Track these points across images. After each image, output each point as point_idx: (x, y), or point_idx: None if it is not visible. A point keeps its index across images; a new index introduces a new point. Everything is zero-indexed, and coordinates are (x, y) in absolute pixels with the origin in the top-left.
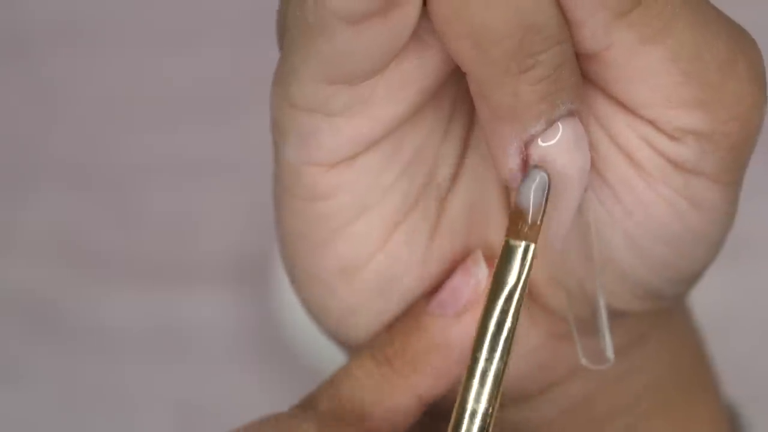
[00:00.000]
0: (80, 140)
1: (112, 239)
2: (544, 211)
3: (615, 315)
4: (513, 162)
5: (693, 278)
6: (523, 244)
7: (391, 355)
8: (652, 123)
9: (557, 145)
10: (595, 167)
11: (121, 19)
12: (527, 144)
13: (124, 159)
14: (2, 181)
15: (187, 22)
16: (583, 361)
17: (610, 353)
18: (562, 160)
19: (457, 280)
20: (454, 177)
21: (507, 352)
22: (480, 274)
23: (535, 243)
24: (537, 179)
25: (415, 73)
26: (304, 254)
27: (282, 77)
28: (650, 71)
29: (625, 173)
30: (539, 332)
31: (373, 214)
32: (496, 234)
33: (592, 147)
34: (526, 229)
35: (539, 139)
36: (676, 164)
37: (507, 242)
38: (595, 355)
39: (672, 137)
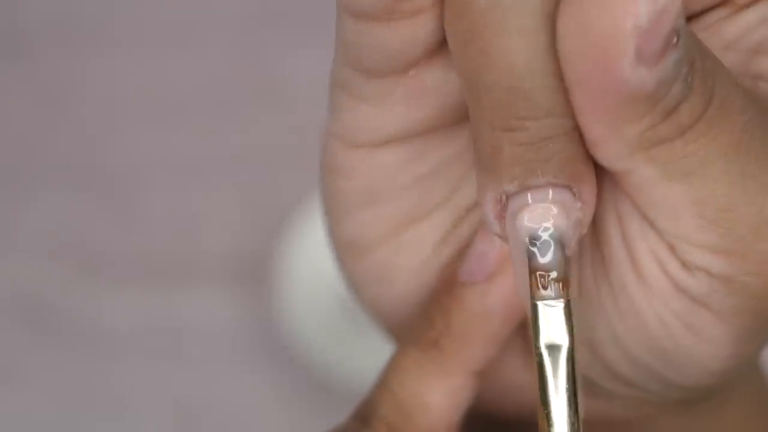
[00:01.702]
0: (80, 140)
1: (112, 239)
2: (567, 263)
3: (600, 389)
4: (488, 210)
5: (689, 389)
6: (545, 303)
7: (435, 336)
8: (667, 245)
9: (529, 210)
10: (602, 261)
11: (121, 19)
12: (503, 198)
13: (124, 159)
14: (2, 181)
15: (187, 23)
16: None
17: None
18: (533, 225)
19: (480, 243)
20: (476, 204)
21: (578, 409)
22: None
23: (564, 298)
24: (545, 238)
25: (438, 88)
26: (327, 220)
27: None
28: (671, 206)
29: (628, 280)
30: None
31: (382, 209)
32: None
33: (604, 241)
34: (549, 285)
35: (515, 200)
36: (680, 290)
37: (533, 304)
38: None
39: (684, 265)
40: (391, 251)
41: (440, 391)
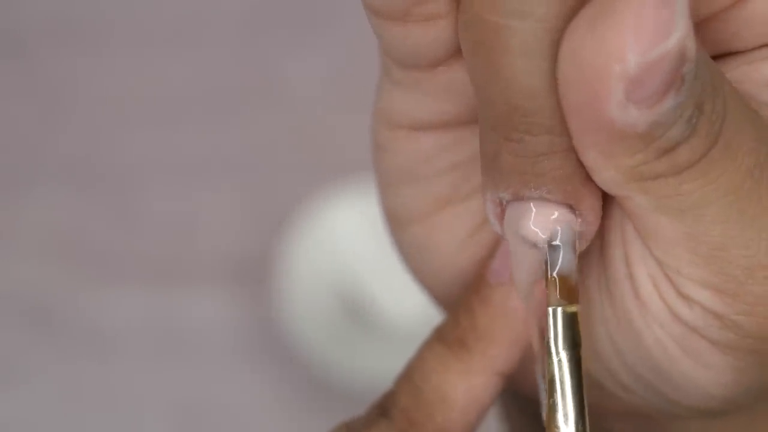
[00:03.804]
0: (80, 140)
1: (112, 239)
2: (578, 269)
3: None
4: (489, 209)
5: (695, 410)
6: (560, 308)
7: (461, 334)
8: (664, 273)
9: (525, 220)
10: (604, 276)
11: (121, 19)
12: (503, 202)
13: (124, 159)
14: (2, 180)
15: (187, 22)
16: (545, 419)
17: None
18: (526, 235)
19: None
20: None
21: (585, 414)
22: None
23: (576, 302)
24: (560, 250)
25: (467, 84)
26: (377, 189)
27: None
28: (665, 237)
29: (627, 297)
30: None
31: (419, 187)
32: None
33: (608, 258)
34: (563, 290)
35: (511, 206)
36: (677, 318)
37: (557, 310)
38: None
39: (680, 295)
40: (428, 228)
41: (462, 389)
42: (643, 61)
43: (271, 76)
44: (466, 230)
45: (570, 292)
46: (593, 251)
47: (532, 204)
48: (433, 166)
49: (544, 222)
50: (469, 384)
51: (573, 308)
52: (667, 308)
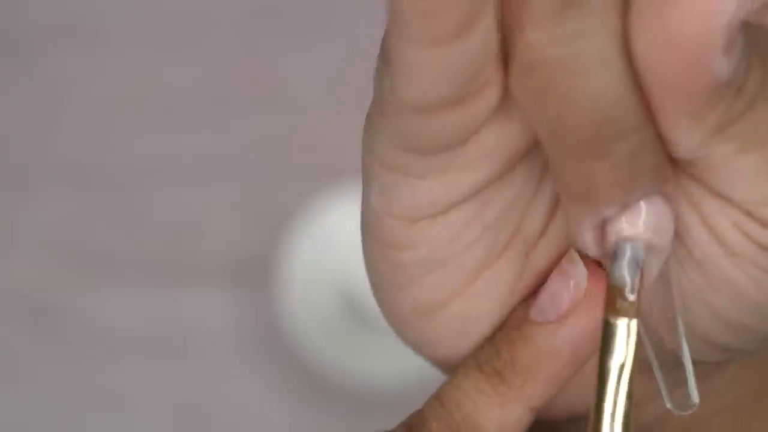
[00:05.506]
0: (80, 140)
1: (112, 239)
2: (641, 284)
3: (692, 363)
4: (588, 238)
5: None
6: (625, 321)
7: (499, 367)
8: (746, 213)
9: (633, 226)
10: (683, 244)
11: (121, 19)
12: (603, 223)
13: (124, 159)
14: (2, 181)
15: (187, 22)
16: (669, 406)
17: (695, 399)
18: (638, 239)
19: (555, 283)
20: (542, 231)
21: (627, 430)
22: (578, 274)
23: (637, 318)
24: (628, 254)
25: (499, 144)
26: (383, 291)
27: (368, 128)
28: (747, 175)
29: (714, 253)
30: None
31: (451, 267)
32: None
33: (682, 225)
34: (626, 305)
35: (614, 220)
36: (765, 247)
37: (607, 321)
38: (679, 398)
39: (764, 225)
40: (466, 303)
41: (495, 421)
42: (744, 3)
43: (271, 76)
44: (507, 287)
45: (637, 305)
46: None
47: (624, 218)
48: (463, 243)
49: (635, 222)
50: (502, 416)
51: (619, 320)
52: (755, 244)
